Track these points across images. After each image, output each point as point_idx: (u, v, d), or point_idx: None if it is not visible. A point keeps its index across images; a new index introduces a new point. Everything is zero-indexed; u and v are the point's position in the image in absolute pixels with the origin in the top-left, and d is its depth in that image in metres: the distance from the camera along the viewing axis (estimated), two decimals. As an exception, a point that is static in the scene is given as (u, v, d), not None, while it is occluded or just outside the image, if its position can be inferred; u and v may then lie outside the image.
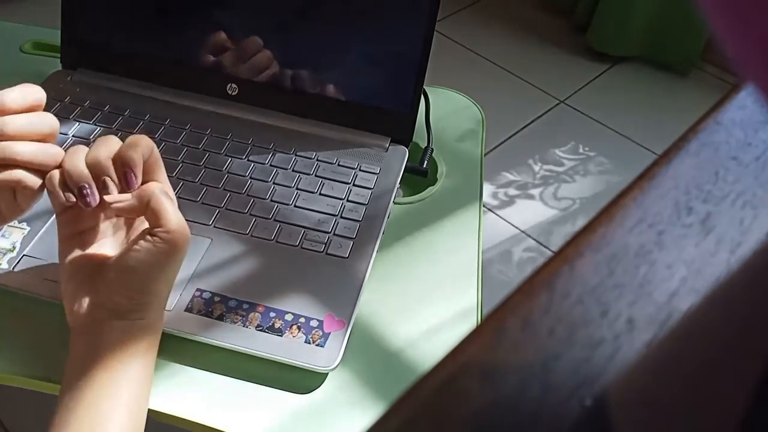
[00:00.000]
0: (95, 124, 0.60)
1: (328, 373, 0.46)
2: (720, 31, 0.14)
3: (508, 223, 1.37)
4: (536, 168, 1.50)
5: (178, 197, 0.52)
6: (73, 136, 0.58)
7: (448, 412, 0.23)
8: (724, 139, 0.35)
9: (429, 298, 0.52)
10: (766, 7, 0.12)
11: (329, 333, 0.46)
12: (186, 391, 0.45)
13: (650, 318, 0.26)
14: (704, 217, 0.30)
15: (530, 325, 0.25)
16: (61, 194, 0.40)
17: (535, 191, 1.45)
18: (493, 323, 0.25)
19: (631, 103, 1.71)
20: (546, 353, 0.24)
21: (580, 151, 1.56)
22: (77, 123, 0.59)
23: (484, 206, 0.99)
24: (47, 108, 0.58)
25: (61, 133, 0.56)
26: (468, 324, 0.51)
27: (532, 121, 1.62)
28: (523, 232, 1.36)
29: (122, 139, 0.51)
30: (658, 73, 1.80)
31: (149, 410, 0.43)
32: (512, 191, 1.44)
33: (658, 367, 0.23)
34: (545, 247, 1.33)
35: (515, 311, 0.26)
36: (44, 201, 0.49)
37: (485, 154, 0.66)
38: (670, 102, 1.72)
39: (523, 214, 1.39)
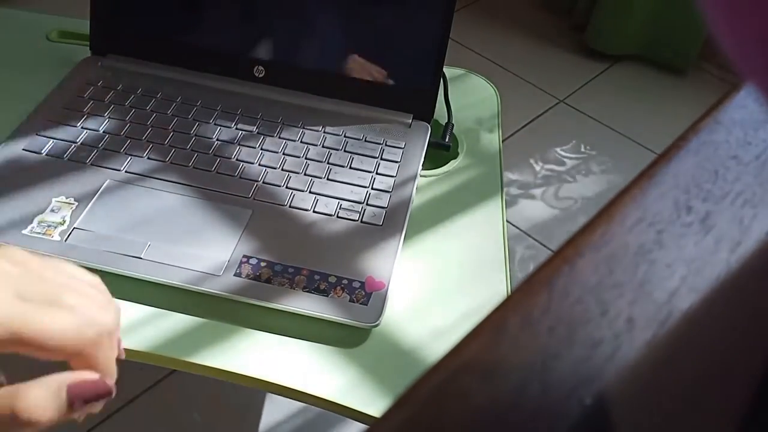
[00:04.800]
0: (129, 107, 0.62)
1: (371, 330, 0.49)
2: (719, 30, 0.14)
3: (509, 222, 1.37)
4: (537, 168, 1.50)
5: (217, 173, 0.56)
6: (104, 131, 0.60)
7: (449, 410, 0.23)
8: (724, 138, 0.35)
9: (457, 262, 0.55)
10: (764, 5, 0.12)
11: (371, 293, 0.49)
12: (240, 349, 0.47)
13: (650, 317, 0.26)
14: (704, 216, 0.30)
15: (530, 324, 0.25)
16: None
17: (535, 191, 1.45)
18: (493, 322, 0.25)
19: (631, 102, 1.71)
20: (546, 352, 0.24)
21: (580, 150, 1.56)
22: (107, 119, 0.61)
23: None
24: (80, 93, 0.62)
25: (91, 129, 0.59)
26: (495, 283, 0.54)
27: (532, 121, 1.62)
28: (523, 232, 1.36)
29: (155, 120, 0.59)
30: (658, 72, 1.80)
31: (214, 369, 0.45)
32: (513, 191, 1.44)
33: (658, 366, 0.23)
34: (545, 246, 1.33)
35: (515, 310, 0.26)
36: (89, 178, 0.54)
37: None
38: (670, 101, 1.72)
39: (523, 213, 1.39)
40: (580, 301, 0.26)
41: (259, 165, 0.58)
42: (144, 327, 0.48)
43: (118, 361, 0.32)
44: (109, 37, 0.66)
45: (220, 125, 0.61)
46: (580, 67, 1.80)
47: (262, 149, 0.60)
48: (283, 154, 0.59)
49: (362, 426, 0.47)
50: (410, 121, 0.64)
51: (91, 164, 0.56)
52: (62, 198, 0.53)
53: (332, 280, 0.50)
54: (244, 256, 0.51)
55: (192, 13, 0.65)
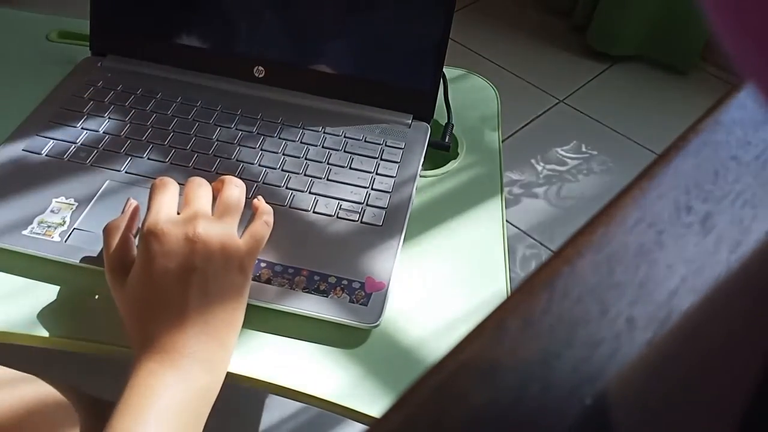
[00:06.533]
0: (129, 107, 0.62)
1: (371, 330, 0.49)
2: (719, 30, 0.14)
3: (509, 222, 1.37)
4: (537, 168, 1.50)
5: (216, 173, 0.56)
6: (104, 132, 0.60)
7: (448, 410, 0.23)
8: (724, 139, 0.35)
9: (457, 262, 0.55)
10: (765, 5, 0.12)
11: (371, 293, 0.49)
12: (240, 350, 0.47)
13: (650, 317, 0.26)
14: (704, 217, 0.30)
15: (530, 324, 0.25)
16: None
17: (536, 191, 1.45)
18: (493, 322, 0.25)
19: (631, 102, 1.71)
20: (546, 352, 0.24)
21: (580, 150, 1.56)
22: (107, 119, 0.61)
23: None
24: (80, 94, 0.63)
25: (91, 130, 0.59)
26: (495, 283, 0.54)
27: (531, 121, 1.62)
28: (524, 232, 1.36)
29: (155, 120, 0.61)
30: (658, 73, 1.80)
31: None
32: (513, 190, 1.44)
33: (658, 366, 0.23)
34: (546, 246, 1.33)
35: (515, 310, 0.26)
36: (89, 179, 0.55)
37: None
38: (670, 101, 1.72)
39: (524, 213, 1.39)
40: (580, 301, 0.26)
41: (259, 165, 0.58)
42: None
43: None
44: (108, 38, 0.66)
45: (220, 125, 0.61)
46: (580, 67, 1.80)
47: (261, 150, 0.60)
48: (283, 154, 0.59)
49: (362, 426, 0.47)
50: (410, 121, 0.64)
51: (91, 165, 0.56)
52: (62, 199, 0.53)
53: (332, 280, 0.50)
54: None
55: (192, 13, 0.65)
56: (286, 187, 0.57)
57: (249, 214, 0.49)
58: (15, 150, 0.57)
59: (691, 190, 0.32)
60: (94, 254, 0.50)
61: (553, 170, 1.50)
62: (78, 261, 0.49)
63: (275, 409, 1.02)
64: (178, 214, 0.46)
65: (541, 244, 1.34)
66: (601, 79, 1.77)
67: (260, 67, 0.65)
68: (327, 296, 0.49)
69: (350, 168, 0.59)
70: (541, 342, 0.25)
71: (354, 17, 0.63)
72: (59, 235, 0.51)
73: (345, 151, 0.60)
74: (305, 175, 0.58)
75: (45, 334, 0.47)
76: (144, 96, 0.63)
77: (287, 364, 0.47)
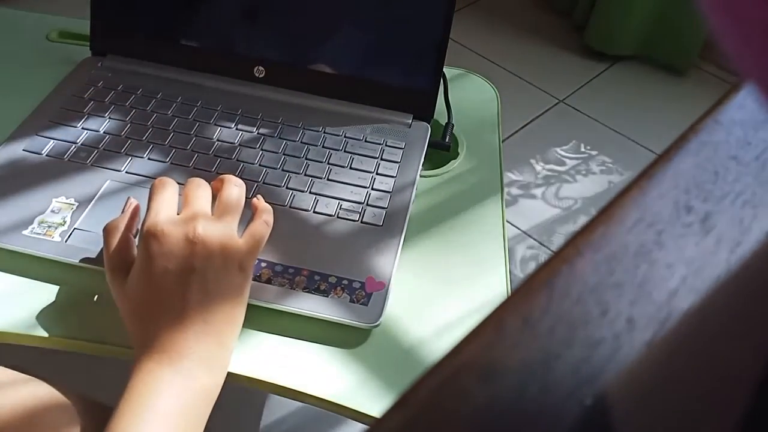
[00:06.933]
0: (130, 107, 0.62)
1: (371, 330, 0.49)
2: (718, 30, 0.14)
3: (509, 223, 1.37)
4: (537, 168, 1.50)
5: (216, 173, 0.56)
6: (104, 132, 0.60)
7: (448, 411, 0.23)
8: (724, 139, 0.35)
9: (457, 262, 0.55)
10: (764, 5, 0.12)
11: (371, 293, 0.49)
12: (240, 349, 0.47)
13: (650, 317, 0.26)
14: (704, 217, 0.30)
15: (530, 324, 0.25)
16: None
17: (536, 191, 1.45)
18: (493, 322, 0.25)
19: (630, 102, 1.71)
20: (546, 353, 0.24)
21: (580, 150, 1.56)
22: (108, 119, 0.61)
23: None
24: (81, 94, 0.63)
25: (92, 130, 0.59)
26: (495, 283, 0.54)
27: (532, 121, 1.62)
28: (523, 232, 1.36)
29: (155, 120, 0.61)
30: (657, 72, 1.80)
31: None
32: (513, 191, 1.44)
33: (658, 367, 0.23)
34: (545, 246, 1.33)
35: (515, 310, 0.26)
36: (90, 179, 0.55)
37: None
38: (670, 101, 1.72)
39: (523, 213, 1.39)
40: (580, 301, 0.26)
41: (260, 165, 0.58)
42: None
43: None
44: (109, 37, 0.66)
45: (221, 125, 0.61)
46: (580, 67, 1.80)
47: (262, 149, 0.60)
48: (283, 154, 0.59)
49: (362, 426, 0.47)
50: (410, 121, 0.64)
51: (92, 165, 0.56)
52: (63, 199, 0.53)
53: (332, 280, 0.50)
54: None
55: (192, 13, 0.65)
56: (287, 187, 0.57)
57: (249, 213, 0.49)
58: (15, 150, 0.57)
59: (691, 190, 0.32)
60: (95, 254, 0.50)
61: (552, 170, 1.50)
62: (78, 261, 0.49)
63: (275, 409, 1.02)
64: (178, 214, 0.46)
65: (541, 244, 1.34)
66: (600, 79, 1.77)
67: (260, 67, 0.65)
68: (327, 296, 0.49)
69: (350, 168, 0.59)
70: (540, 342, 0.25)
71: (354, 17, 0.63)
72: (59, 235, 0.51)
73: (345, 151, 0.60)
74: (305, 174, 0.58)
75: (45, 334, 0.47)
76: (144, 96, 0.63)
77: (287, 364, 0.47)
